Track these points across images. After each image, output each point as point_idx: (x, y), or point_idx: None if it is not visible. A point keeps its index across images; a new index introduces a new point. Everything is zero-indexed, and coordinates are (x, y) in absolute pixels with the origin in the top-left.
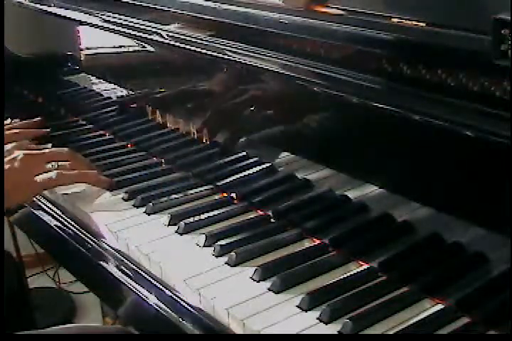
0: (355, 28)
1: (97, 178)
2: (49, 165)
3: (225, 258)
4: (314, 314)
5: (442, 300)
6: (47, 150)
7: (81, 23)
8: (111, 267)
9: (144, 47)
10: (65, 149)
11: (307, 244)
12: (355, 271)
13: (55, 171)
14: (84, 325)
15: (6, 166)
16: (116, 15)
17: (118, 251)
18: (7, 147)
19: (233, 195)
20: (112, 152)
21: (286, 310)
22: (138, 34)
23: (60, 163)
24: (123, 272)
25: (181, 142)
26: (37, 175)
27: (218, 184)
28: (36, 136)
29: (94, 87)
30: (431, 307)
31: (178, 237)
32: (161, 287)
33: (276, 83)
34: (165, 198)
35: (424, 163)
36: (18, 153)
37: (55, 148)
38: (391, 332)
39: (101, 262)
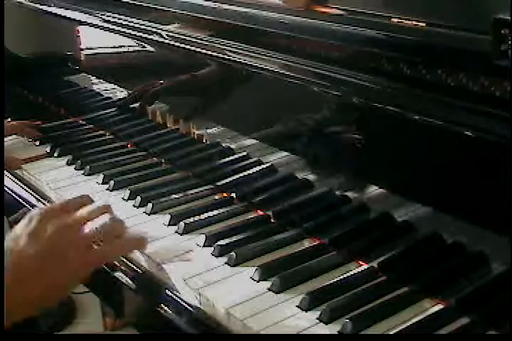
0: (355, 28)
1: (145, 243)
2: (92, 230)
3: (225, 258)
4: (314, 314)
5: (442, 300)
6: (78, 214)
7: (81, 23)
8: (111, 267)
9: (144, 47)
10: (94, 203)
11: (307, 244)
12: (355, 271)
13: (107, 246)
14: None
15: (45, 254)
16: (116, 15)
17: None
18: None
19: (233, 195)
20: (112, 152)
21: (286, 310)
22: (138, 34)
23: (101, 224)
24: (123, 272)
25: (181, 142)
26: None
27: (218, 184)
28: (33, 136)
29: (94, 87)
30: (431, 307)
31: (178, 237)
32: (161, 287)
33: (275, 83)
34: (165, 198)
35: (424, 163)
36: (50, 228)
37: (84, 206)
38: (391, 332)
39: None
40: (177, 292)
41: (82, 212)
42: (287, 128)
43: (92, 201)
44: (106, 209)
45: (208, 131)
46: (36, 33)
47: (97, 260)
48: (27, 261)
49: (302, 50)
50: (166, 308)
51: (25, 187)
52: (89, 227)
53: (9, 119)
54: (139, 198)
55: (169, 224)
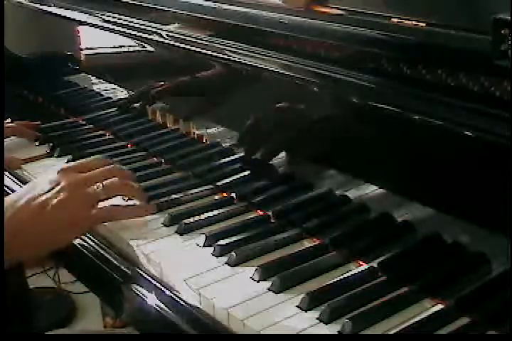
0: (355, 28)
1: (152, 211)
2: (94, 187)
3: (225, 258)
4: (314, 314)
5: (442, 300)
6: (90, 172)
7: (81, 23)
8: (111, 267)
9: (144, 47)
10: (109, 164)
11: (307, 244)
12: (355, 271)
13: (109, 207)
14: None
15: (53, 200)
16: (116, 15)
17: (118, 251)
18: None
19: (233, 195)
20: (112, 152)
21: (286, 310)
22: (138, 34)
23: (105, 183)
24: (123, 272)
25: (181, 142)
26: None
27: (218, 184)
28: (31, 137)
29: (94, 87)
30: (431, 307)
31: (178, 237)
32: (161, 287)
33: (275, 83)
34: (165, 198)
35: (424, 163)
36: (62, 183)
37: (94, 160)
38: (391, 332)
39: (100, 262)
40: (177, 292)
41: (96, 171)
42: (286, 128)
43: (108, 163)
44: (120, 172)
45: (208, 131)
46: (36, 33)
47: (96, 218)
48: (35, 205)
49: (302, 50)
50: (166, 308)
51: None
52: (97, 186)
53: (9, 120)
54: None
55: (169, 225)
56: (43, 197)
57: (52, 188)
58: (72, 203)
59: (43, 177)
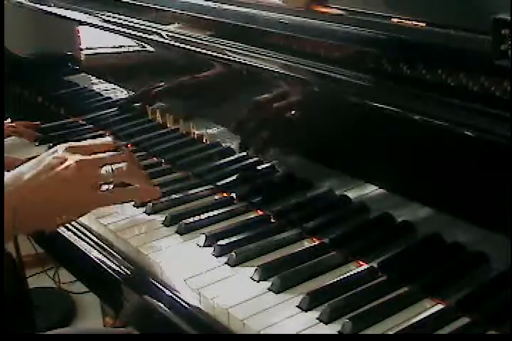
0: (355, 28)
1: (157, 195)
2: (104, 170)
3: (225, 258)
4: (314, 314)
5: (442, 300)
6: (102, 155)
7: (81, 23)
8: (111, 267)
9: (143, 47)
10: (117, 147)
11: (307, 244)
12: (355, 271)
13: (115, 188)
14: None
15: (60, 176)
16: (116, 15)
17: (118, 251)
18: (55, 150)
19: (233, 195)
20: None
21: (286, 310)
22: (138, 34)
23: (116, 167)
24: (123, 272)
25: (181, 142)
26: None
27: (218, 184)
28: (31, 138)
29: (94, 87)
30: (431, 307)
31: (178, 237)
32: (161, 287)
33: (275, 83)
34: (165, 198)
35: (424, 163)
36: (70, 160)
37: (102, 142)
38: (391, 332)
39: (100, 263)
40: (177, 292)
41: (106, 154)
42: (286, 128)
43: (117, 146)
44: (131, 159)
45: (208, 131)
46: (36, 33)
47: (100, 200)
48: (41, 178)
49: (302, 50)
50: (166, 308)
51: None
52: (106, 169)
53: (9, 120)
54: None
55: (169, 224)
56: (50, 173)
57: (60, 164)
58: (78, 181)
59: (49, 153)
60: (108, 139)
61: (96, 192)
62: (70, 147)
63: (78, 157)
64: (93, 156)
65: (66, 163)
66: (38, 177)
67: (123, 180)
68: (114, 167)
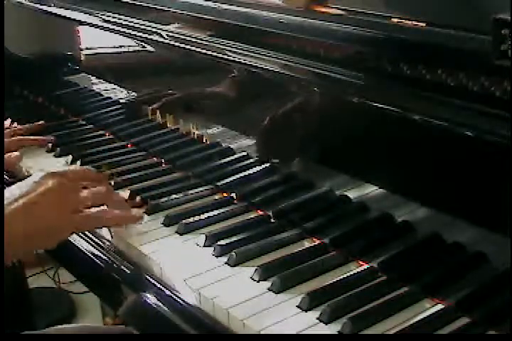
0: (355, 28)
1: (140, 220)
2: (84, 193)
3: (225, 258)
4: (314, 314)
5: (442, 300)
6: (77, 173)
7: (81, 23)
8: (111, 267)
9: (143, 47)
10: (95, 173)
11: (307, 244)
12: (355, 271)
13: (95, 211)
14: (85, 325)
15: (40, 200)
16: (116, 15)
17: (118, 251)
18: (34, 176)
19: (233, 195)
20: (112, 152)
21: (286, 310)
22: (138, 34)
23: (95, 190)
24: (123, 272)
25: (181, 142)
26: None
27: (218, 184)
28: (41, 144)
29: (94, 87)
30: (431, 307)
31: (178, 237)
32: (161, 287)
33: (275, 83)
34: (165, 198)
35: (424, 163)
36: (48, 184)
37: (83, 170)
38: (391, 332)
39: (100, 262)
40: (177, 292)
41: (85, 177)
42: (286, 128)
43: (98, 176)
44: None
45: (208, 131)
46: (36, 33)
47: (80, 223)
48: (20, 203)
49: (302, 50)
50: (165, 308)
51: None
52: (85, 193)
53: (9, 120)
54: (138, 198)
55: (169, 224)
56: (29, 196)
57: (40, 188)
58: (57, 205)
59: (33, 176)
60: (88, 167)
61: (76, 216)
62: (51, 173)
63: (58, 181)
64: (71, 180)
65: (45, 188)
66: (19, 201)
67: (101, 203)
68: (92, 189)
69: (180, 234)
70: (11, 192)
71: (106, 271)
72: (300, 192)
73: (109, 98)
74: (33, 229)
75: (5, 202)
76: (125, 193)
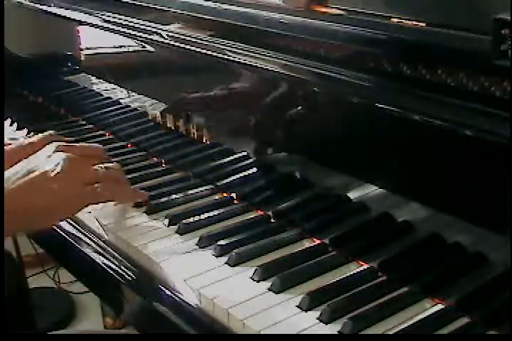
0: (355, 28)
1: (144, 198)
2: (95, 168)
3: (225, 258)
4: (314, 314)
5: (442, 300)
6: (88, 148)
7: (81, 23)
8: (111, 267)
9: (143, 47)
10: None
11: (307, 244)
12: (355, 271)
13: (108, 186)
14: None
15: (51, 173)
16: (116, 15)
17: (118, 251)
18: (45, 150)
19: (233, 195)
20: (112, 152)
21: (286, 310)
22: (138, 34)
23: (107, 166)
24: (123, 272)
25: (181, 142)
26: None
27: (218, 184)
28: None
29: (94, 87)
30: (431, 307)
31: (178, 237)
32: (161, 287)
33: (275, 83)
34: (165, 198)
35: (424, 163)
36: (60, 157)
37: (94, 147)
38: (391, 332)
39: (100, 262)
40: (177, 292)
41: (95, 153)
42: (287, 128)
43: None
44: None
45: (208, 131)
46: (36, 33)
47: (90, 196)
48: (32, 176)
49: (302, 50)
50: (165, 308)
51: None
52: (95, 167)
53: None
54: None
55: (169, 224)
56: (41, 170)
57: (51, 162)
58: (70, 177)
59: (39, 153)
60: (98, 145)
61: (87, 188)
62: (61, 146)
63: (70, 155)
64: (83, 156)
65: (57, 160)
66: (31, 175)
67: (111, 181)
68: (104, 165)
69: (181, 234)
70: (21, 166)
71: (106, 270)
72: (300, 192)
73: (109, 98)
74: (46, 200)
75: (15, 177)
76: None
